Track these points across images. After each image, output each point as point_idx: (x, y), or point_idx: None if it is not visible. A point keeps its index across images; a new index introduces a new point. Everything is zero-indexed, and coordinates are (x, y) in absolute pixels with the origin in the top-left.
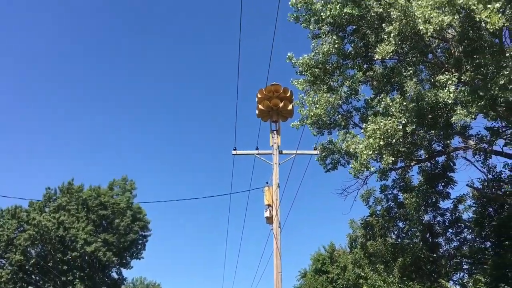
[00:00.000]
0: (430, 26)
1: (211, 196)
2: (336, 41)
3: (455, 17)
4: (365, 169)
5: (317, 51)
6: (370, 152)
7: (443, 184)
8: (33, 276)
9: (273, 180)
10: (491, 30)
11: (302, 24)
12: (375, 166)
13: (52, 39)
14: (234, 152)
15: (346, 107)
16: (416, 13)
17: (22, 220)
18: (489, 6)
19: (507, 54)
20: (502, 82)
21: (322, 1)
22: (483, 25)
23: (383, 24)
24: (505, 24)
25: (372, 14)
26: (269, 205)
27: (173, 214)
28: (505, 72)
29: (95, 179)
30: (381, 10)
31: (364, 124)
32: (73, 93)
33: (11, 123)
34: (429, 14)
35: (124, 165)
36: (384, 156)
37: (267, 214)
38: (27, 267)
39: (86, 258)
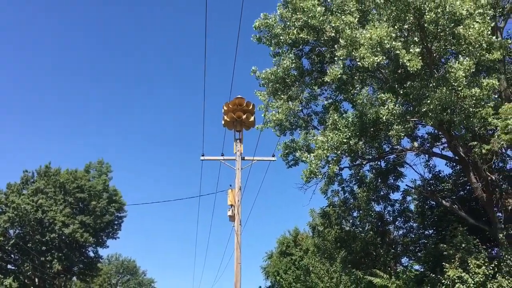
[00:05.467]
0: (366, 62)
1: (181, 199)
2: (294, 60)
3: (384, 58)
4: (314, 176)
5: (278, 64)
6: (319, 162)
7: (393, 178)
8: (12, 256)
9: (236, 183)
10: (411, 72)
11: (264, 44)
12: (323, 172)
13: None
14: (202, 157)
15: (306, 111)
16: (354, 54)
17: (1, 202)
18: (411, 50)
19: (430, 85)
20: (424, 109)
21: (282, 25)
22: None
23: (336, 46)
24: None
25: (326, 38)
26: (231, 205)
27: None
28: (428, 101)
29: (72, 162)
30: (333, 34)
31: (315, 137)
32: (51, 75)
33: None
34: (364, 54)
35: (100, 150)
36: (330, 165)
37: (229, 213)
38: (6, 248)
39: (64, 238)
